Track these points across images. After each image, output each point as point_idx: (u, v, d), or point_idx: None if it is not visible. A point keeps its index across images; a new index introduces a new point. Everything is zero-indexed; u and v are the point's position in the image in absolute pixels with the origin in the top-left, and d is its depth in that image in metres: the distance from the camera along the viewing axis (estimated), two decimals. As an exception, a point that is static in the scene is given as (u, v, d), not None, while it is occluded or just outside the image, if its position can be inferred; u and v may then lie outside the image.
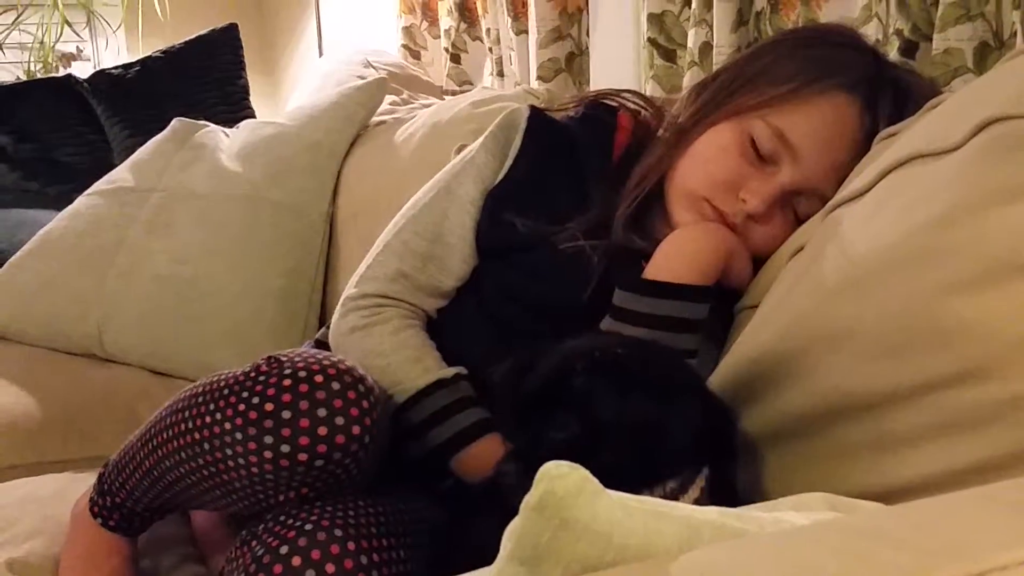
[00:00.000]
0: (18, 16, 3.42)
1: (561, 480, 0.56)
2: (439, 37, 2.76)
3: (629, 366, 0.93)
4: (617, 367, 0.93)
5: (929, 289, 0.84)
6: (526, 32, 2.35)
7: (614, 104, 1.45)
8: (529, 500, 0.56)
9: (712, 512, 0.63)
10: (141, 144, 2.32)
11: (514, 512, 0.57)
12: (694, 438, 0.92)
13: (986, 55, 1.41)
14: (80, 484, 1.40)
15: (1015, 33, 1.37)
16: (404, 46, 2.86)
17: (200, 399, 1.09)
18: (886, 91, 1.24)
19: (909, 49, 1.49)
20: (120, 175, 2.22)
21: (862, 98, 1.24)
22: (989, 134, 0.85)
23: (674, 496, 0.90)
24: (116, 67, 2.89)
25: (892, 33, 1.52)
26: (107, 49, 3.66)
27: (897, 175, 0.97)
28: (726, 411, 0.99)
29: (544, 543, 0.56)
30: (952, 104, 1.02)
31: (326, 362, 1.06)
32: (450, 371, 1.24)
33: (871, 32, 1.55)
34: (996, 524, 0.56)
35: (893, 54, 1.49)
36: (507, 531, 0.57)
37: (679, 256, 1.20)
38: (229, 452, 1.05)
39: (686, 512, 0.61)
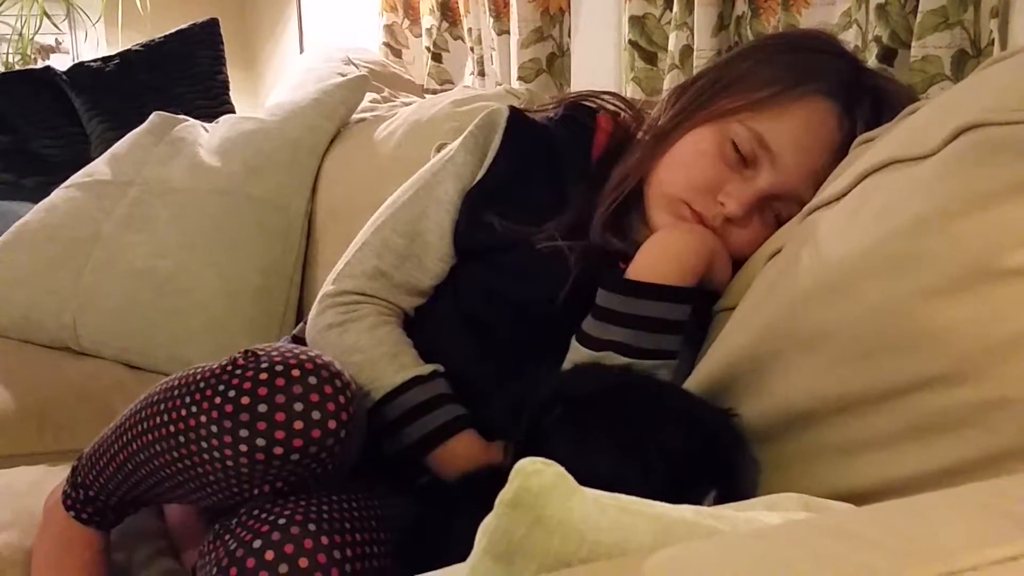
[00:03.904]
0: (-3, 8, 3.40)
1: (536, 476, 0.56)
2: (420, 36, 2.76)
3: (599, 411, 0.94)
4: (584, 411, 0.94)
5: (904, 293, 0.84)
6: (508, 32, 2.35)
7: (594, 105, 1.45)
8: (503, 496, 0.56)
9: (686, 511, 0.63)
10: (119, 137, 2.30)
11: (489, 508, 0.57)
12: (679, 471, 0.92)
13: (964, 63, 1.42)
14: (54, 477, 1.39)
15: (993, 41, 1.39)
16: (385, 44, 2.85)
17: (176, 392, 1.09)
18: (864, 97, 1.25)
19: (887, 56, 1.50)
20: (98, 168, 2.21)
21: (840, 104, 1.25)
22: (965, 140, 0.86)
23: None
24: (95, 60, 2.88)
25: (871, 40, 1.53)
26: (86, 42, 3.64)
27: (874, 180, 0.98)
28: (727, 430, 0.99)
29: (518, 539, 0.56)
30: (929, 110, 1.03)
31: (303, 356, 1.06)
32: (427, 368, 1.24)
33: (850, 39, 1.56)
34: (967, 525, 0.56)
35: (872, 61, 1.50)
36: (481, 527, 0.57)
37: (663, 257, 1.21)
38: (204, 445, 1.05)
39: (660, 510, 0.61)
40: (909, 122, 1.06)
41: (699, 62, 1.81)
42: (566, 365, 1.20)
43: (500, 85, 2.34)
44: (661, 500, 0.79)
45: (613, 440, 0.92)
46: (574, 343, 1.20)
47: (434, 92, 2.59)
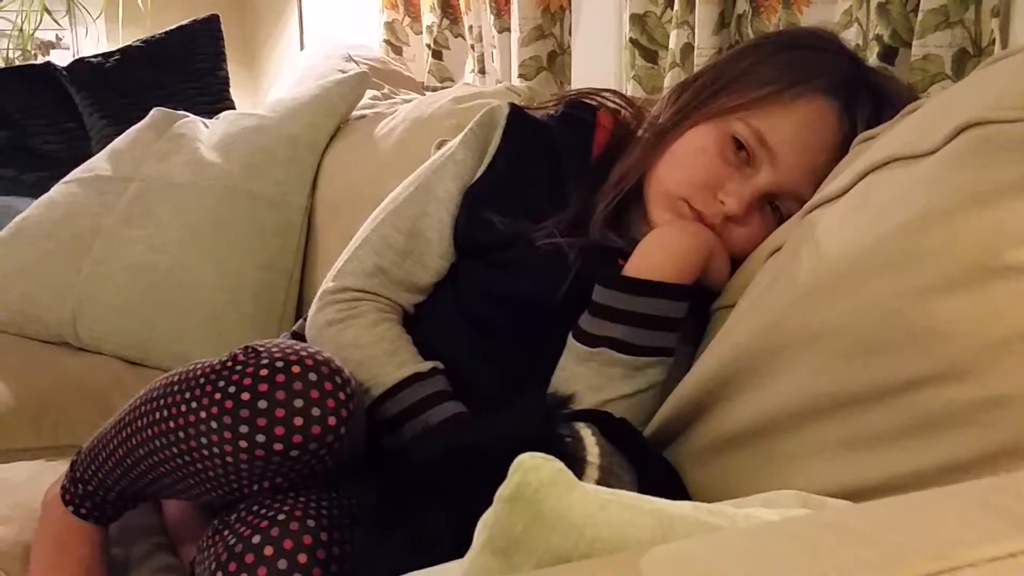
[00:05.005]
0: (-3, 3, 3.40)
1: (535, 471, 0.56)
2: (421, 33, 2.76)
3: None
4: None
5: (904, 291, 0.84)
6: (508, 30, 2.35)
7: (594, 103, 1.45)
8: (503, 491, 0.56)
9: (685, 507, 0.63)
10: (119, 133, 2.30)
11: (465, 504, 0.57)
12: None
13: (964, 62, 1.42)
14: (52, 472, 1.39)
15: (994, 40, 1.39)
16: (386, 41, 2.85)
17: (176, 388, 1.09)
18: (865, 95, 1.25)
19: (888, 55, 1.50)
20: (98, 164, 2.21)
21: (841, 102, 1.25)
22: (966, 138, 0.85)
23: None
24: (96, 56, 2.87)
25: (872, 38, 1.53)
26: (87, 37, 3.64)
27: (874, 178, 0.98)
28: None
29: (517, 534, 0.56)
30: (930, 108, 1.03)
31: (303, 353, 1.06)
32: (426, 365, 1.24)
33: (851, 37, 1.56)
34: (965, 522, 0.56)
35: (872, 59, 1.50)
36: (481, 521, 0.58)
37: (661, 254, 1.21)
38: (204, 441, 1.05)
39: (659, 506, 0.61)
40: (910, 120, 1.06)
41: (700, 60, 1.81)
42: (562, 362, 1.20)
43: (501, 83, 2.34)
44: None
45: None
46: (570, 339, 1.20)
47: (434, 89, 2.59)
